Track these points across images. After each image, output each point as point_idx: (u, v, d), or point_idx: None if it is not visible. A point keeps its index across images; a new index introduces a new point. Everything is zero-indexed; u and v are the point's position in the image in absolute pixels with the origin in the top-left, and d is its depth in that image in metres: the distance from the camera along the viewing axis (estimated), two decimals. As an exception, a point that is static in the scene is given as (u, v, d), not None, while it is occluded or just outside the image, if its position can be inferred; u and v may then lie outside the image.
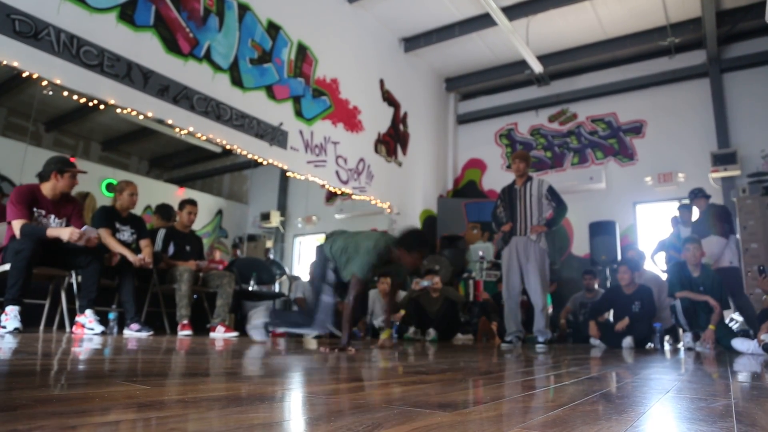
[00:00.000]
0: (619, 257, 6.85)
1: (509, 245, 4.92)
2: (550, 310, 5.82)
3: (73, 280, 3.65)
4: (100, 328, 3.32)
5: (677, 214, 6.03)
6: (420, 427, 0.73)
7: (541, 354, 3.18)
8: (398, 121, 7.99)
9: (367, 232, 3.59)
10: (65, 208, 3.52)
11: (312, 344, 3.63)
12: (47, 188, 3.46)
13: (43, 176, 3.46)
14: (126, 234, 4.08)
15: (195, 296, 4.58)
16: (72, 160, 3.72)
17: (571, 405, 1.01)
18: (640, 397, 1.22)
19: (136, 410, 0.77)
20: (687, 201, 5.95)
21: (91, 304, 3.39)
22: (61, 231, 3.30)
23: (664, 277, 5.64)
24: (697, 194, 5.62)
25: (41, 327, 3.60)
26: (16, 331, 2.93)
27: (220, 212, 9.32)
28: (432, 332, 5.51)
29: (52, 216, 3.47)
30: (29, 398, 0.83)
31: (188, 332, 3.96)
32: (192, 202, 4.60)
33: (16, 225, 3.25)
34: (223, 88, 5.23)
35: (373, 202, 7.32)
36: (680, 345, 5.08)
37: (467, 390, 1.27)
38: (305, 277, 5.92)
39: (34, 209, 3.39)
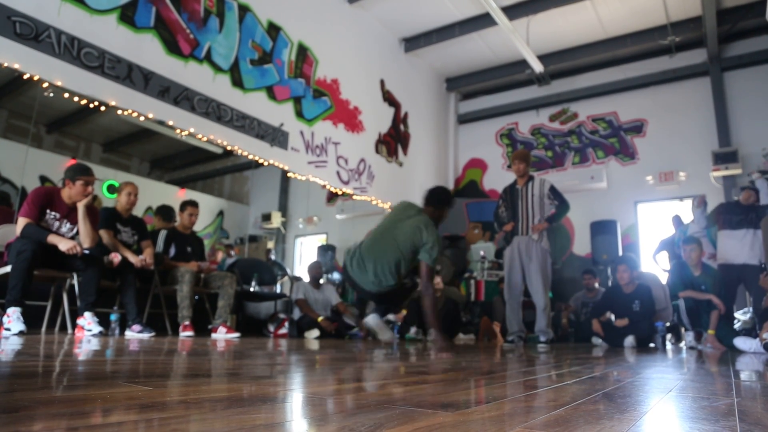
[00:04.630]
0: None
1: (511, 245, 4.92)
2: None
3: (75, 282, 3.66)
4: (98, 329, 3.33)
5: (684, 211, 5.94)
6: (422, 427, 0.73)
7: (542, 353, 3.18)
8: (399, 121, 7.99)
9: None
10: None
11: (313, 344, 3.62)
12: (65, 194, 3.52)
13: (63, 182, 3.53)
14: (127, 235, 4.09)
15: (196, 297, 4.58)
16: (72, 161, 3.73)
17: (573, 404, 1.01)
18: (642, 397, 1.21)
19: (138, 411, 0.77)
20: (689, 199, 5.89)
21: (90, 307, 3.40)
22: (60, 240, 3.31)
23: (665, 276, 5.64)
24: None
25: (43, 328, 3.60)
26: (20, 333, 2.94)
27: (221, 213, 9.33)
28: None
29: (65, 221, 3.49)
30: (31, 400, 0.83)
31: (190, 333, 3.96)
32: (193, 204, 4.60)
33: (21, 223, 3.30)
34: (223, 89, 5.23)
35: (374, 202, 7.32)
36: (682, 344, 5.08)
37: (469, 390, 1.27)
38: (306, 277, 5.92)
39: (48, 211, 3.42)
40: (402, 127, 8.07)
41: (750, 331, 4.73)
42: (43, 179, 6.55)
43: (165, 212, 5.11)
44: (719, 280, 4.67)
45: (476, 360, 2.45)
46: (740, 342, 4.15)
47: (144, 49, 4.55)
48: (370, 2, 7.09)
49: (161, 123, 4.74)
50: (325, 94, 6.55)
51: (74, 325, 3.47)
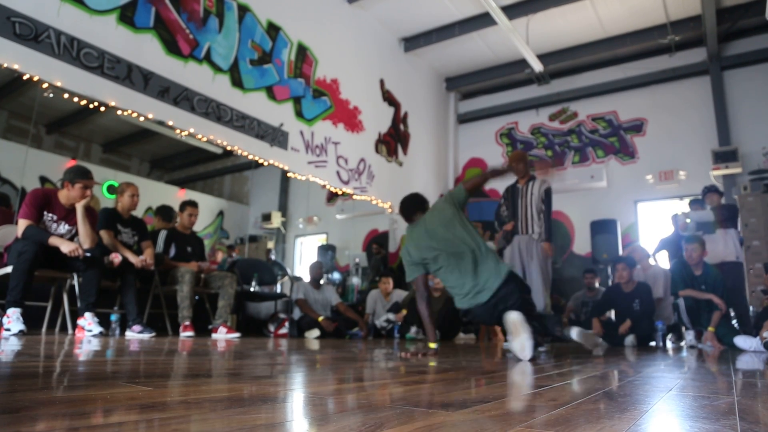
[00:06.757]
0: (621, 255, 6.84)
1: (511, 244, 4.92)
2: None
3: (75, 282, 3.65)
4: (98, 329, 3.33)
5: (683, 210, 6.02)
6: (423, 426, 0.73)
7: (543, 353, 3.18)
8: (399, 120, 7.99)
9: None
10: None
11: (314, 344, 3.62)
12: (63, 195, 3.51)
13: (62, 184, 3.52)
14: (127, 236, 4.09)
15: (197, 297, 4.58)
16: (72, 162, 3.73)
17: (574, 404, 1.01)
18: (642, 396, 1.21)
19: (138, 411, 0.77)
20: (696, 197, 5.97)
21: (90, 308, 3.40)
22: (62, 243, 3.31)
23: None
24: (711, 189, 5.62)
25: (43, 329, 3.60)
26: (20, 334, 2.94)
27: (221, 213, 9.33)
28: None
29: (63, 223, 3.49)
30: (32, 400, 0.83)
31: (190, 333, 3.96)
32: (193, 204, 4.60)
33: (22, 224, 3.30)
34: (223, 89, 5.23)
35: (374, 202, 7.32)
36: (683, 343, 5.08)
37: (470, 389, 1.27)
38: (306, 277, 5.92)
39: (45, 213, 3.42)
40: (402, 126, 8.07)
41: (750, 329, 4.73)
42: (43, 180, 6.55)
43: (165, 212, 5.11)
44: (720, 280, 4.67)
45: (476, 359, 2.45)
46: (740, 341, 4.15)
47: (143, 50, 4.55)
48: (369, 2, 7.09)
49: (161, 123, 4.74)
50: (324, 93, 6.55)
51: (74, 326, 3.47)
